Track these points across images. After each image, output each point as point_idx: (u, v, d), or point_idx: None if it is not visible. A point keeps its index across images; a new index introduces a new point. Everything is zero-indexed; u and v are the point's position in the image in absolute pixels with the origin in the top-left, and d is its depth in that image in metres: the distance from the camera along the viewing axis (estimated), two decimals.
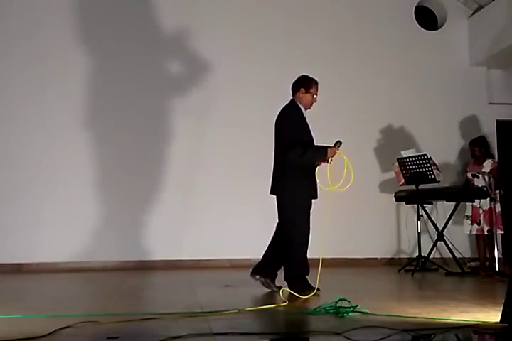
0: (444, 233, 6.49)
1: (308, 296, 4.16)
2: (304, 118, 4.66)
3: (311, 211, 4.55)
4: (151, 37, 7.18)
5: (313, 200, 4.58)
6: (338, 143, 4.51)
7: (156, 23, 7.21)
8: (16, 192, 6.68)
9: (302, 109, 4.66)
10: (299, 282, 4.42)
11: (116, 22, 7.12)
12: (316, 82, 4.69)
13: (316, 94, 4.69)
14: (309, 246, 4.50)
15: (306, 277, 4.46)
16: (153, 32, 7.19)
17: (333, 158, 4.46)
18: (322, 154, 4.48)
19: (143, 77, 7.08)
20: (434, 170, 6.36)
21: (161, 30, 7.20)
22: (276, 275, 4.63)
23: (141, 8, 7.21)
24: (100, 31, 7.06)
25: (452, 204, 6.61)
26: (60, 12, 6.98)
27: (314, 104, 4.72)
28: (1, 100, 6.82)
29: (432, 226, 6.67)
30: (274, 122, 4.72)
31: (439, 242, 6.51)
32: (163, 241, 6.81)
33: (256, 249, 6.84)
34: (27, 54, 6.87)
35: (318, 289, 4.31)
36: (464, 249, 7.05)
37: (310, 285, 4.37)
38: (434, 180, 6.40)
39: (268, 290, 4.54)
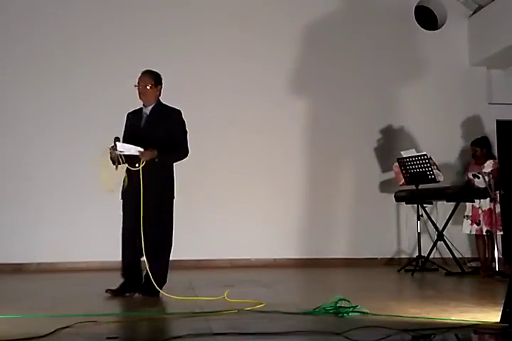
0: (444, 233, 6.49)
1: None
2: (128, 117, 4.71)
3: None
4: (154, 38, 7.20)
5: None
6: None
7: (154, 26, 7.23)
8: (15, 193, 6.68)
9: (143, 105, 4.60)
10: None
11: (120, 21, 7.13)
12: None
13: (138, 84, 4.52)
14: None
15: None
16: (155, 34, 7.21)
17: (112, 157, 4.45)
18: None
19: None
20: (434, 170, 6.36)
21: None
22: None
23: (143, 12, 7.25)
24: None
25: (452, 204, 6.61)
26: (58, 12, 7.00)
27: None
28: (2, 100, 6.83)
29: (432, 226, 6.68)
30: None
31: (439, 242, 6.52)
32: None
33: (256, 248, 6.90)
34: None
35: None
36: (463, 249, 7.05)
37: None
38: (434, 180, 6.40)
39: (258, 291, 4.50)
